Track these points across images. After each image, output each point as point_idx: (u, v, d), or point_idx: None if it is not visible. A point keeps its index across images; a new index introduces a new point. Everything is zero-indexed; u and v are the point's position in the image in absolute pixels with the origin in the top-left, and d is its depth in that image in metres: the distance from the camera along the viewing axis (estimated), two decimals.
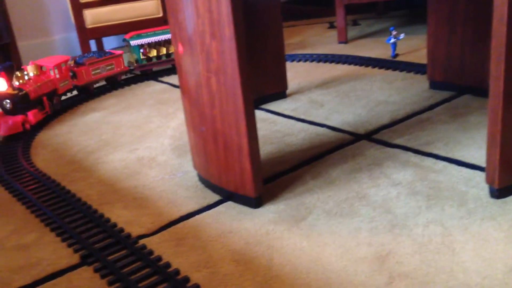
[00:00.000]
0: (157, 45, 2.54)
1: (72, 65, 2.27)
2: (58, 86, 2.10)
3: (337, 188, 1.28)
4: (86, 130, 1.91)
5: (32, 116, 1.90)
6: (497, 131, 1.09)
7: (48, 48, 3.15)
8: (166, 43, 2.58)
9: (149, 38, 2.51)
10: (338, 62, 2.42)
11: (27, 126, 1.90)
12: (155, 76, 2.55)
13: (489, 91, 1.09)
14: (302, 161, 1.45)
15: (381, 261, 0.99)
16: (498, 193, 1.14)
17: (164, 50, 2.55)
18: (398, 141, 1.50)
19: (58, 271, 1.07)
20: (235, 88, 1.14)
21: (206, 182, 1.35)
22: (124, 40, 2.55)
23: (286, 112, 1.84)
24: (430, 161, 1.35)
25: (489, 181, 1.15)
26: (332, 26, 3.23)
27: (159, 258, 1.07)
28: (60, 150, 1.75)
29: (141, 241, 1.15)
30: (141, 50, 2.49)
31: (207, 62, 1.17)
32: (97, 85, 2.42)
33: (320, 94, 1.99)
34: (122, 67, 2.43)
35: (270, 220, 1.17)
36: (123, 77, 2.52)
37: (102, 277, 1.04)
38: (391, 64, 2.24)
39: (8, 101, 1.84)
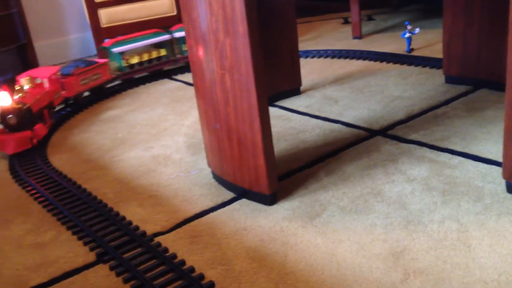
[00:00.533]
0: (138, 51, 2.47)
1: (59, 76, 2.11)
2: (53, 98, 2.00)
3: (351, 185, 1.27)
4: (102, 129, 1.92)
5: (39, 130, 1.79)
6: None
7: (64, 48, 3.19)
8: (149, 48, 2.52)
9: (130, 45, 2.42)
10: (352, 58, 2.41)
11: (35, 141, 1.77)
12: (169, 74, 2.56)
13: (506, 85, 1.08)
14: (317, 158, 1.44)
15: (396, 258, 0.98)
16: None
17: (146, 56, 2.47)
18: (413, 136, 1.48)
19: (74, 269, 1.09)
20: (249, 85, 1.14)
21: (221, 180, 1.36)
22: (103, 48, 2.45)
23: (300, 109, 1.84)
24: (445, 156, 1.34)
25: (506, 176, 1.13)
26: (346, 21, 3.21)
27: (174, 256, 1.08)
28: (76, 149, 1.76)
29: (156, 239, 1.15)
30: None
31: (221, 59, 1.18)
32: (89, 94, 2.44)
33: (335, 90, 1.98)
34: (108, 76, 2.33)
35: (284, 217, 1.17)
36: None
37: (118, 274, 1.05)
38: (406, 59, 2.22)
39: (12, 116, 1.71)
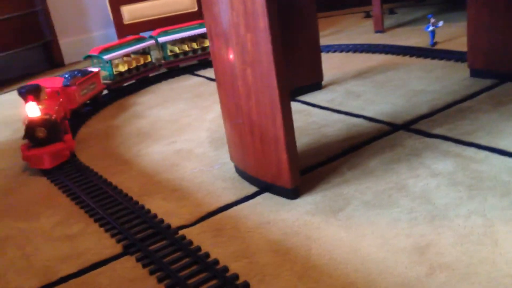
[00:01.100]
0: (126, 59, 2.39)
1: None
2: (67, 109, 1.93)
3: (375, 179, 1.27)
4: (126, 125, 1.95)
5: (70, 141, 1.67)
6: None
7: (88, 45, 3.23)
8: (140, 54, 2.45)
9: (118, 52, 2.32)
10: (374, 52, 2.39)
11: (68, 153, 1.65)
12: (191, 70, 2.58)
13: None
14: (339, 152, 1.44)
15: (421, 252, 0.97)
16: None
17: (134, 63, 2.39)
18: (437, 131, 1.47)
19: (102, 261, 1.11)
20: (270, 79, 1.14)
21: (243, 174, 1.37)
22: (92, 56, 2.32)
23: (322, 103, 1.83)
24: (471, 150, 1.32)
25: None
26: (368, 15, 3.19)
27: (198, 248, 1.09)
28: (101, 145, 1.79)
29: (181, 232, 1.17)
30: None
31: (242, 54, 1.18)
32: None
33: (356, 85, 1.97)
34: (102, 85, 2.22)
35: (307, 211, 1.18)
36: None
37: (144, 266, 1.06)
38: (430, 53, 2.19)
39: (42, 128, 1.58)
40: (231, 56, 1.22)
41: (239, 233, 1.13)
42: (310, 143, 1.53)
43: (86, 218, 1.29)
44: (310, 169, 1.37)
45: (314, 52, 1.93)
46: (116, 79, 2.31)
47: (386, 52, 2.34)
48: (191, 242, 1.12)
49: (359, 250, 1.01)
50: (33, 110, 1.60)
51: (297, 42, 1.88)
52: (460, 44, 2.23)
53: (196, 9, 2.92)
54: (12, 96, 2.63)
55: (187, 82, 2.39)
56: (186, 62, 2.59)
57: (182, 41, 2.56)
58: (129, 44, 2.39)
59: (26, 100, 1.60)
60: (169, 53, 2.52)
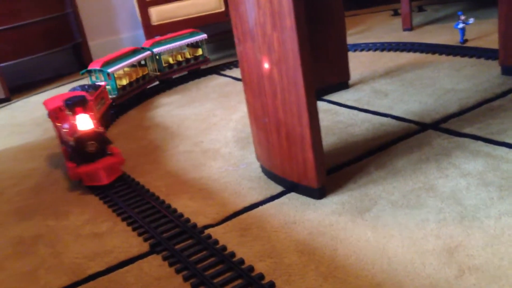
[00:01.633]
0: (125, 72, 2.24)
1: None
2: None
3: (402, 179, 1.25)
4: (153, 125, 1.97)
5: (120, 155, 1.54)
6: None
7: (117, 46, 3.28)
8: (139, 66, 2.32)
9: (120, 64, 2.16)
10: (402, 50, 2.35)
11: (120, 167, 1.55)
12: (217, 70, 2.59)
13: None
14: (366, 152, 1.42)
15: (450, 254, 0.96)
16: None
17: (134, 76, 2.24)
18: (467, 130, 1.44)
19: (129, 259, 1.12)
20: (296, 78, 1.14)
21: (269, 173, 1.36)
22: (94, 70, 2.14)
23: (348, 103, 1.82)
24: (502, 150, 1.29)
25: None
26: (396, 13, 3.14)
27: (224, 248, 1.10)
28: (129, 144, 1.82)
29: (207, 231, 1.17)
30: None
31: (269, 53, 1.18)
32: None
33: (384, 84, 1.95)
34: (109, 99, 2.07)
35: (333, 211, 1.17)
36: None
37: (171, 265, 1.07)
38: (460, 51, 2.15)
39: (94, 142, 1.47)
40: (257, 56, 1.22)
41: (265, 232, 1.13)
42: (337, 143, 1.52)
43: (114, 217, 1.31)
44: (336, 169, 1.36)
45: (341, 50, 1.92)
46: (120, 93, 2.14)
47: (415, 50, 2.31)
48: (217, 242, 1.12)
49: (386, 251, 1.00)
50: (85, 122, 1.48)
51: (324, 40, 1.87)
52: (491, 41, 2.18)
53: (223, 9, 2.94)
54: (42, 97, 2.69)
55: (214, 82, 2.41)
56: (179, 73, 2.48)
57: (175, 51, 2.48)
58: (127, 56, 2.25)
59: (74, 112, 1.49)
60: (163, 64, 2.41)
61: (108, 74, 2.09)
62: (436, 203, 1.12)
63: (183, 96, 2.28)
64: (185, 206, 1.31)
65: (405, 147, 1.41)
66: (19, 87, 2.97)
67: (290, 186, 1.29)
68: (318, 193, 1.23)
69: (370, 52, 2.44)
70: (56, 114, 1.63)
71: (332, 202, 1.20)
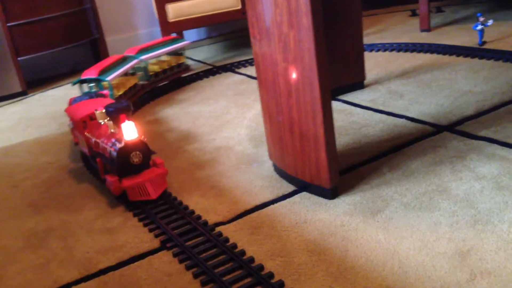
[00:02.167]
0: (119, 81, 2.09)
1: None
2: None
3: (415, 181, 1.24)
4: (167, 121, 1.98)
5: (162, 164, 1.41)
6: None
7: (134, 42, 3.30)
8: (130, 74, 2.18)
9: (118, 71, 2.02)
10: (419, 51, 2.33)
11: (166, 179, 1.43)
12: (232, 67, 2.59)
13: None
14: (379, 153, 1.41)
15: (462, 257, 0.94)
16: None
17: (127, 85, 2.09)
18: (483, 133, 1.42)
19: (140, 254, 1.13)
20: (312, 77, 1.13)
21: (282, 172, 1.36)
22: (90, 79, 1.98)
23: (363, 103, 1.80)
24: None
25: None
26: (414, 13, 3.11)
27: (234, 246, 1.10)
28: None
29: (218, 229, 1.18)
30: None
31: (284, 51, 1.18)
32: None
33: (400, 84, 1.93)
34: None
35: (345, 212, 1.16)
36: None
37: (181, 261, 1.08)
38: (478, 52, 2.12)
39: (138, 153, 1.35)
40: (273, 54, 1.22)
41: (276, 231, 1.13)
42: (350, 143, 1.51)
43: (126, 212, 1.32)
44: (349, 169, 1.35)
45: (358, 50, 1.90)
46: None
47: (432, 52, 2.28)
48: (227, 239, 1.12)
49: (397, 253, 0.99)
50: (131, 131, 1.35)
51: (340, 40, 1.86)
52: (510, 43, 2.15)
53: (239, 7, 2.94)
54: (59, 92, 2.72)
55: (228, 80, 2.41)
56: (163, 82, 2.34)
57: (160, 59, 2.34)
58: (120, 64, 2.11)
59: (117, 120, 1.36)
60: (149, 73, 2.26)
61: (105, 82, 1.93)
62: (449, 206, 1.11)
63: (198, 93, 2.28)
64: (196, 203, 1.31)
65: (420, 148, 1.40)
66: (36, 81, 3.01)
67: (302, 186, 1.29)
68: (330, 193, 1.22)
69: (387, 53, 2.42)
70: (85, 124, 1.51)
71: (344, 202, 1.20)
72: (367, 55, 2.40)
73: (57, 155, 1.81)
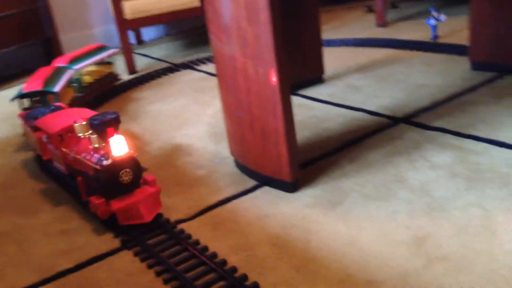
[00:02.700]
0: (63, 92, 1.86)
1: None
2: None
3: (374, 172, 1.26)
4: (126, 120, 1.95)
5: (154, 181, 1.24)
6: None
7: (89, 41, 3.23)
8: (68, 86, 1.95)
9: (61, 83, 1.84)
10: (376, 46, 2.38)
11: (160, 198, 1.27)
12: (191, 65, 2.58)
13: None
14: (339, 146, 1.44)
15: (419, 244, 0.97)
16: None
17: (67, 99, 1.88)
18: (437, 123, 1.46)
19: (100, 255, 1.11)
20: (271, 72, 1.14)
21: (243, 168, 1.36)
22: (32, 93, 1.80)
23: (322, 97, 1.83)
24: (470, 143, 1.32)
25: None
26: (370, 9, 3.17)
27: (197, 242, 1.09)
28: None
29: (180, 226, 1.17)
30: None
31: (243, 47, 1.18)
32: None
33: (358, 79, 1.96)
34: None
35: (306, 205, 1.17)
36: None
37: (142, 260, 1.07)
38: (431, 47, 2.18)
39: (129, 170, 1.18)
40: (231, 50, 1.21)
41: (238, 226, 1.13)
42: (311, 137, 1.52)
43: (84, 214, 1.29)
44: (310, 163, 1.37)
45: (316, 46, 1.92)
46: None
47: (388, 46, 2.33)
48: (189, 236, 1.12)
49: (358, 242, 1.01)
50: (120, 146, 1.17)
51: (298, 36, 1.87)
52: (462, 37, 2.22)
53: (198, 4, 2.92)
54: (10, 92, 2.64)
55: (188, 77, 2.39)
56: (97, 93, 2.13)
57: (91, 69, 2.14)
58: (59, 74, 1.92)
59: (103, 134, 1.18)
60: (83, 84, 2.04)
61: (54, 94, 1.75)
62: (406, 195, 1.14)
63: (157, 91, 2.26)
64: None
65: (377, 140, 1.43)
66: None
67: (263, 180, 1.29)
68: (292, 187, 1.23)
69: (345, 48, 2.46)
70: (61, 138, 1.35)
71: (305, 195, 1.21)
72: (326, 50, 2.42)
73: (10, 157, 1.75)
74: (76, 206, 1.34)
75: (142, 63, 2.77)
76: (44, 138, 1.43)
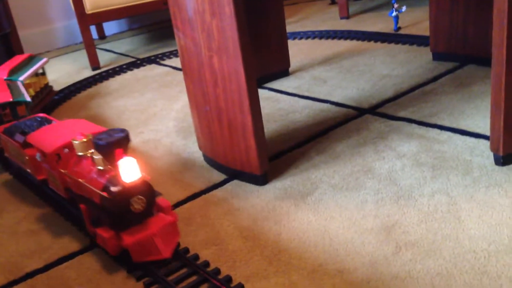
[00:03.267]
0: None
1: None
2: None
3: (342, 163, 1.28)
4: (91, 115, 1.91)
5: (169, 208, 1.08)
6: (501, 98, 1.09)
7: (50, 37, 3.15)
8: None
9: (25, 93, 1.70)
10: (340, 38, 2.41)
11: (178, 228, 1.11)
12: (156, 59, 2.55)
13: (492, 59, 1.09)
14: (307, 138, 1.45)
15: (387, 232, 0.99)
16: (503, 160, 1.14)
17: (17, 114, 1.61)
18: (402, 113, 1.49)
19: (69, 254, 1.09)
20: (237, 66, 1.14)
21: (212, 162, 1.36)
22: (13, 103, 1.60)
23: (289, 90, 1.84)
24: (434, 132, 1.35)
25: (494, 148, 1.15)
26: (333, 2, 3.20)
27: None
28: None
29: None
30: None
31: (208, 41, 1.17)
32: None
33: (323, 71, 1.98)
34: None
35: (276, 197, 1.18)
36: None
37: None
38: (394, 38, 2.22)
39: (141, 198, 1.02)
40: (197, 44, 1.21)
41: (209, 220, 1.13)
42: (278, 130, 1.53)
43: (52, 213, 1.27)
44: (278, 155, 1.38)
45: (281, 39, 1.93)
46: None
47: (352, 38, 2.36)
48: None
49: (328, 232, 1.03)
50: (131, 169, 1.00)
51: (263, 29, 1.88)
52: (423, 28, 2.27)
53: None
54: None
55: (153, 72, 2.36)
56: (41, 105, 1.94)
57: (30, 81, 1.94)
58: (14, 87, 1.75)
59: (110, 156, 1.03)
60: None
61: (27, 104, 1.60)
62: (374, 185, 1.16)
63: (122, 86, 2.22)
64: None
65: (344, 131, 1.45)
66: None
67: (233, 174, 1.29)
68: (261, 179, 1.24)
69: (309, 40, 2.47)
70: (59, 156, 1.16)
71: (275, 187, 1.22)
72: (290, 43, 2.44)
73: None
74: (43, 205, 1.30)
75: (105, 58, 2.72)
76: (37, 156, 1.23)
